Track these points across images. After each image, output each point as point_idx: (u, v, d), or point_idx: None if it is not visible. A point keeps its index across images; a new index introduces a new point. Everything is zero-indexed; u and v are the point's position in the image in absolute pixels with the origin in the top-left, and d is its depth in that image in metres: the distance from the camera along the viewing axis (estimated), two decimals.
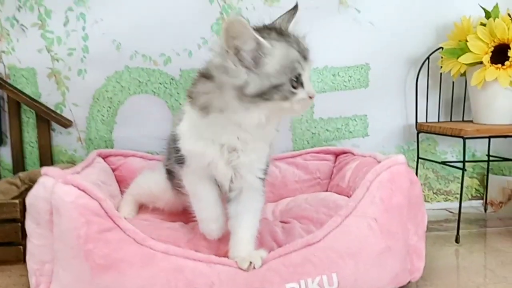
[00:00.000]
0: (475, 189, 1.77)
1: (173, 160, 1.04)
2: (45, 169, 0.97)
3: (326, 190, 1.48)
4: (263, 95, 0.84)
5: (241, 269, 0.92)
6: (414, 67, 1.65)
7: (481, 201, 1.76)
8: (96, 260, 0.88)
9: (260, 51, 0.83)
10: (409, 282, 1.03)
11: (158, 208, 1.27)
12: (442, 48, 1.57)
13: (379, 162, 1.14)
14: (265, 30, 0.89)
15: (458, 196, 1.72)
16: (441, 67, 1.57)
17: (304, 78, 0.87)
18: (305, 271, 0.92)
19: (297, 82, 0.86)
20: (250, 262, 0.92)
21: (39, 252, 0.95)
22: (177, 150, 0.99)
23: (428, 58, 1.61)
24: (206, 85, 0.89)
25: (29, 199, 0.96)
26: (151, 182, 1.26)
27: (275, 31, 0.89)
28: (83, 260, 0.88)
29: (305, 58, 0.87)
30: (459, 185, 1.71)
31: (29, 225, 0.97)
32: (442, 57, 1.57)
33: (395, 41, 1.63)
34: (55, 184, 0.92)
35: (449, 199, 1.75)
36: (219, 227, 1.02)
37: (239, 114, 0.87)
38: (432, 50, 1.61)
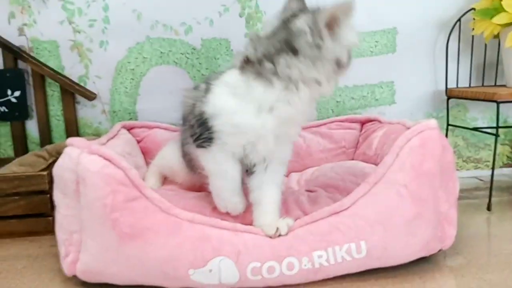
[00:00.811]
0: (507, 156, 1.71)
1: (196, 139, 0.98)
2: (70, 140, 0.97)
3: (352, 159, 1.45)
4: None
5: (267, 236, 0.92)
6: (444, 30, 1.58)
7: None
8: (123, 229, 0.89)
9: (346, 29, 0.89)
10: (440, 250, 1.00)
11: None
12: (474, 9, 1.49)
13: (408, 128, 1.10)
14: None
15: (489, 164, 1.68)
16: (473, 29, 1.50)
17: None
18: (333, 239, 0.91)
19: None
20: (277, 229, 0.92)
21: (67, 222, 0.96)
22: (207, 128, 0.94)
23: (459, 20, 1.53)
24: (291, 60, 0.89)
25: (56, 170, 0.97)
26: (169, 157, 1.26)
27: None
28: (110, 229, 0.89)
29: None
30: (490, 152, 1.67)
31: (57, 196, 0.98)
32: (474, 19, 1.50)
33: (425, 3, 1.56)
34: (80, 154, 0.93)
35: (480, 167, 1.70)
36: (243, 201, 1.02)
37: (331, 84, 0.92)
38: (464, 12, 1.53)
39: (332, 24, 0.88)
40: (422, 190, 0.93)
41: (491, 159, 1.68)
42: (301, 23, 0.88)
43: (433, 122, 0.98)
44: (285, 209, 1.06)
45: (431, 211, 0.94)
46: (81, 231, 0.94)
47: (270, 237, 0.92)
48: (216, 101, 0.93)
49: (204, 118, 0.94)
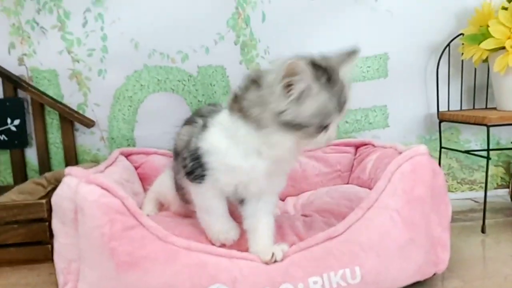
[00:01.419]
0: (501, 177, 1.73)
1: (189, 174, 0.99)
2: (68, 169, 0.99)
3: (347, 183, 1.47)
4: (291, 127, 0.87)
5: (263, 263, 0.93)
6: (434, 55, 1.62)
7: (507, 189, 1.72)
8: (121, 258, 0.90)
9: (307, 91, 0.85)
10: (435, 274, 1.01)
11: None
12: (463, 34, 1.53)
13: (400, 153, 1.13)
14: (319, 70, 0.86)
15: (483, 185, 1.69)
16: (462, 54, 1.54)
17: (331, 126, 0.89)
18: (328, 264, 0.92)
19: (322, 128, 0.88)
20: (272, 255, 0.93)
21: (66, 251, 0.97)
22: (201, 164, 0.96)
23: (448, 45, 1.57)
24: (255, 93, 0.89)
25: (54, 198, 0.99)
26: (164, 185, 1.26)
27: (327, 75, 0.87)
28: (108, 257, 0.90)
29: (340, 110, 0.89)
30: (484, 174, 1.68)
31: (55, 224, 0.99)
32: (463, 44, 1.54)
33: (414, 29, 1.60)
34: (78, 183, 0.94)
35: (474, 189, 1.72)
36: (235, 229, 1.03)
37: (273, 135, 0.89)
38: (453, 37, 1.57)
39: (289, 82, 0.84)
40: (414, 215, 0.95)
41: (484, 181, 1.69)
42: (269, 76, 0.86)
43: (422, 148, 1.00)
44: (280, 234, 1.08)
45: (423, 235, 0.96)
46: (79, 260, 0.95)
47: (266, 263, 0.93)
48: (210, 139, 0.95)
49: (198, 153, 0.96)
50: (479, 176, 1.71)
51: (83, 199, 0.92)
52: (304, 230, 1.10)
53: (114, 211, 0.92)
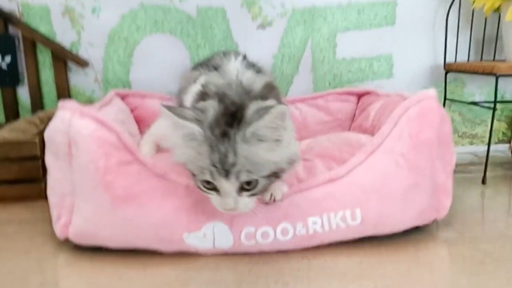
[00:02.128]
0: (502, 132, 1.70)
1: None
2: (62, 103, 0.95)
3: (348, 131, 1.44)
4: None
5: (262, 203, 0.91)
6: (444, 4, 1.56)
7: (508, 144, 1.70)
8: (117, 192, 0.87)
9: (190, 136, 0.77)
10: (434, 220, 1.00)
11: None
12: None
13: (405, 99, 1.09)
14: (222, 104, 0.79)
15: (484, 139, 1.68)
16: (474, 2, 1.47)
17: (221, 189, 0.79)
18: (328, 206, 0.91)
19: (208, 184, 0.79)
20: (271, 195, 0.91)
21: (59, 185, 0.94)
22: None
23: None
24: None
25: (48, 132, 0.95)
26: (164, 129, 1.22)
27: (222, 124, 0.77)
28: (103, 192, 0.88)
29: (220, 173, 0.76)
30: (486, 128, 1.67)
31: (48, 159, 0.96)
32: None
33: None
34: (72, 117, 0.91)
35: (475, 143, 1.70)
36: None
37: None
38: None
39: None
40: (419, 160, 0.92)
41: (486, 135, 1.68)
42: None
43: (432, 92, 0.97)
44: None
45: (428, 180, 0.94)
46: (73, 194, 0.93)
47: (266, 203, 0.91)
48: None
49: None
50: (481, 130, 1.69)
51: (77, 133, 0.89)
52: (304, 174, 1.07)
53: (109, 145, 0.89)
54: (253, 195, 0.80)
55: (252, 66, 0.99)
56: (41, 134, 1.29)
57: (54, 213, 0.96)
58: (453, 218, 1.07)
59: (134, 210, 0.88)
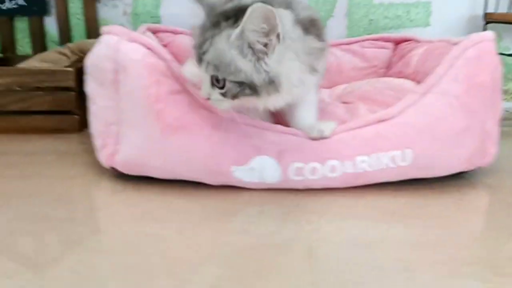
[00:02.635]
0: None
1: None
2: (107, 28, 0.92)
3: None
4: None
5: (310, 139, 0.90)
6: None
7: None
8: (167, 120, 0.86)
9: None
10: (478, 166, 0.99)
11: None
12: None
13: (455, 44, 1.06)
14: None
15: None
16: None
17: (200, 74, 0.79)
18: (378, 145, 0.90)
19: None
20: (319, 130, 0.89)
21: (104, 114, 0.93)
22: None
23: None
24: None
25: (91, 59, 0.92)
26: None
27: (221, 15, 0.77)
28: (153, 120, 0.86)
29: (196, 58, 0.78)
30: None
31: (91, 87, 0.94)
32: None
33: None
34: (119, 41, 0.88)
35: (505, 98, 1.67)
36: None
37: None
38: None
39: None
40: (473, 102, 0.91)
41: None
42: None
43: (490, 34, 0.94)
44: (322, 119, 1.04)
45: (479, 124, 0.93)
46: (120, 123, 0.91)
47: (313, 139, 0.90)
48: None
49: None
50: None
51: (126, 58, 0.86)
52: (347, 116, 1.06)
53: (160, 73, 0.87)
54: (223, 94, 0.78)
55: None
56: (73, 65, 1.27)
57: (98, 141, 0.95)
58: (495, 166, 1.07)
59: (184, 140, 0.87)
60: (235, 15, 0.75)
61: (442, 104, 0.90)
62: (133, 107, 0.88)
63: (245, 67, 0.75)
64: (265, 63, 0.75)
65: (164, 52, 0.89)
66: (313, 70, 0.82)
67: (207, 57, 0.76)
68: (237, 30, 0.73)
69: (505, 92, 1.67)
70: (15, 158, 1.07)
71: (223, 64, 0.75)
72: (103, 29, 0.92)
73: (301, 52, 0.79)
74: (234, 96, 0.78)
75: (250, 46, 0.74)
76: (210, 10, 0.78)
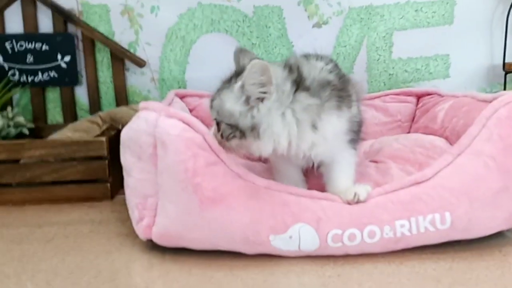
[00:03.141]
0: None
1: None
2: (144, 103, 0.95)
3: (409, 133, 1.42)
4: None
5: (345, 203, 0.90)
6: (503, 3, 1.53)
7: None
8: (205, 193, 0.87)
9: None
10: None
11: None
12: None
13: (481, 100, 1.08)
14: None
15: None
16: None
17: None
18: (416, 208, 0.89)
19: None
20: (355, 194, 0.90)
21: (142, 186, 0.94)
22: None
23: None
24: None
25: (129, 133, 0.95)
26: None
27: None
28: (191, 193, 0.87)
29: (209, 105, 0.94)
30: None
31: (128, 160, 0.96)
32: None
33: None
34: (158, 117, 0.91)
35: None
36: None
37: None
38: None
39: None
40: (509, 162, 0.90)
41: None
42: None
43: None
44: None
45: None
46: (157, 195, 0.93)
47: (349, 203, 0.90)
48: None
49: None
50: None
51: (165, 133, 0.89)
52: (379, 177, 1.06)
53: (197, 146, 0.89)
54: (222, 136, 0.90)
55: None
56: (104, 133, 1.30)
57: (135, 213, 0.96)
58: None
59: (221, 212, 0.88)
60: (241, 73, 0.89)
61: (478, 165, 0.90)
62: (171, 180, 0.89)
63: (236, 112, 0.87)
64: (258, 110, 0.86)
65: (200, 125, 0.91)
66: (314, 127, 0.89)
67: (213, 103, 0.91)
68: (239, 83, 0.87)
69: None
70: (53, 230, 1.08)
71: (221, 109, 0.89)
72: (141, 105, 0.96)
73: (294, 107, 0.87)
74: (228, 138, 0.89)
75: (248, 96, 0.86)
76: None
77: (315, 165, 0.98)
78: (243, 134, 0.87)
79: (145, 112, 0.93)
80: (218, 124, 0.91)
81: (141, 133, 0.92)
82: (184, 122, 0.90)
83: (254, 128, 0.86)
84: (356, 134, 0.99)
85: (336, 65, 1.00)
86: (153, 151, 0.91)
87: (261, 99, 0.85)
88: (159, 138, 0.89)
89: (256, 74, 0.84)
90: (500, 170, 0.90)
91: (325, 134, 0.90)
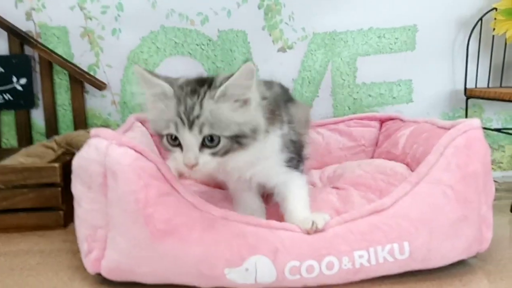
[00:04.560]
0: None
1: None
2: (96, 131, 0.91)
3: (372, 157, 1.42)
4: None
5: (304, 232, 0.88)
6: (464, 30, 1.57)
7: None
8: (157, 225, 0.83)
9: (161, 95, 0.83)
10: (477, 253, 0.97)
11: None
12: (496, 9, 1.48)
13: (440, 127, 1.08)
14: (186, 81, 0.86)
15: (501, 165, 1.68)
16: (494, 29, 1.48)
17: (184, 142, 0.81)
18: (374, 238, 0.87)
19: (174, 140, 0.82)
20: (313, 223, 0.87)
21: (91, 217, 0.90)
22: None
23: (481, 19, 1.51)
24: None
25: (79, 162, 0.90)
26: None
27: (193, 84, 0.84)
28: (142, 225, 0.83)
29: (184, 124, 0.80)
30: (503, 154, 1.68)
31: (78, 189, 0.92)
32: (495, 18, 1.48)
33: (445, 1, 1.54)
34: (109, 146, 0.87)
35: (492, 168, 1.68)
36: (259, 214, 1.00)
37: None
38: (485, 11, 1.51)
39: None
40: (468, 192, 0.90)
41: (503, 161, 1.68)
42: None
43: (476, 122, 0.95)
44: (314, 207, 1.01)
45: (476, 212, 0.92)
46: (107, 227, 0.88)
47: (307, 232, 0.88)
48: None
49: None
50: (498, 156, 1.68)
51: (115, 162, 0.85)
52: (340, 204, 1.05)
53: (149, 176, 0.85)
54: (214, 154, 0.81)
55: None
56: (59, 159, 1.25)
57: (84, 246, 0.91)
58: (491, 249, 1.05)
59: (174, 244, 0.84)
60: (205, 81, 0.84)
61: (436, 194, 0.90)
62: (121, 212, 0.85)
63: (238, 118, 0.81)
64: (249, 113, 0.82)
65: (153, 154, 0.88)
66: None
67: (201, 119, 0.79)
68: (221, 88, 0.80)
69: (492, 162, 1.68)
70: None
71: (219, 121, 0.80)
72: (92, 132, 0.91)
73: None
74: (225, 153, 0.82)
75: (236, 100, 0.81)
76: (176, 85, 0.84)
77: (262, 189, 1.00)
78: (241, 144, 0.82)
79: (95, 140, 0.89)
80: (211, 140, 0.80)
81: (91, 162, 0.88)
82: (136, 150, 0.86)
83: (255, 130, 0.83)
84: (295, 154, 0.97)
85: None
86: (103, 180, 0.87)
87: (246, 101, 0.82)
88: (110, 168, 0.86)
89: (247, 76, 0.80)
90: (459, 200, 0.89)
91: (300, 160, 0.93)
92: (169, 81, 0.84)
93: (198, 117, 0.79)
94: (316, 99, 1.58)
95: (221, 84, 0.80)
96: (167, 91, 0.82)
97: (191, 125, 0.79)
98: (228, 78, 0.80)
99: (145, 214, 0.83)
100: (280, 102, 1.00)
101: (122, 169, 0.84)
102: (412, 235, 0.87)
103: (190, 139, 0.80)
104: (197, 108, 0.79)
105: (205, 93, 0.81)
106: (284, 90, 1.15)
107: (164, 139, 0.83)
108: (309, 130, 1.19)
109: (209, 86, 0.82)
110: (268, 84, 1.04)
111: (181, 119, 0.79)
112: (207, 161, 0.81)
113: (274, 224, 0.90)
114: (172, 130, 0.80)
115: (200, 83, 0.84)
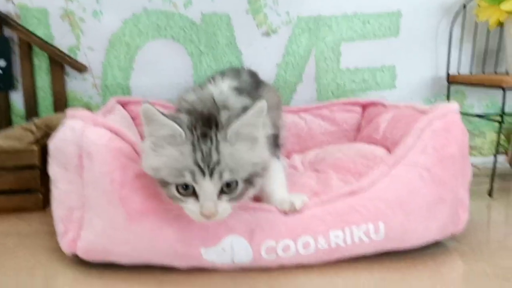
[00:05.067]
0: (500, 144, 1.71)
1: None
2: (72, 112, 0.90)
3: (354, 142, 1.42)
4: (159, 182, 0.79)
5: (282, 213, 0.88)
6: (447, 16, 1.57)
7: (505, 156, 1.71)
8: (132, 206, 0.83)
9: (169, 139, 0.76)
10: (452, 234, 0.99)
11: None
12: None
13: (421, 112, 1.08)
14: (199, 119, 0.78)
15: (483, 151, 1.70)
16: (477, 16, 1.48)
17: (202, 191, 0.75)
18: (351, 219, 0.88)
19: (185, 190, 0.76)
20: (291, 204, 0.88)
21: (67, 198, 0.89)
22: None
23: (465, 6, 1.52)
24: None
25: (55, 143, 0.90)
26: None
27: (200, 125, 0.77)
28: (118, 205, 0.83)
29: (204, 173, 0.74)
30: (484, 140, 1.69)
31: (54, 171, 0.91)
32: (478, 5, 1.48)
33: None
34: (84, 126, 0.86)
35: (473, 154, 1.70)
36: None
37: None
38: None
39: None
40: (444, 174, 0.91)
41: (484, 147, 1.69)
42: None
43: (455, 106, 0.96)
44: (294, 191, 1.02)
45: (451, 195, 0.93)
46: (83, 208, 0.88)
47: (285, 213, 0.88)
48: None
49: None
50: (479, 142, 1.70)
51: (91, 143, 0.85)
52: (320, 187, 1.05)
53: (125, 157, 0.85)
54: (231, 199, 0.78)
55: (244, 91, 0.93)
56: (38, 142, 1.24)
57: (60, 227, 0.91)
58: (467, 231, 1.06)
59: (150, 225, 0.84)
60: (210, 120, 0.78)
61: (413, 176, 0.90)
62: (97, 192, 0.85)
63: (254, 157, 0.78)
64: (259, 150, 0.79)
65: (129, 135, 0.87)
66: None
67: (221, 166, 0.74)
68: (233, 127, 0.75)
69: (472, 148, 1.70)
70: None
71: (238, 164, 0.76)
72: (68, 113, 0.91)
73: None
74: (240, 196, 0.79)
75: (247, 139, 0.77)
76: (185, 125, 0.76)
77: None
78: (252, 183, 0.79)
79: (71, 121, 0.88)
80: (228, 186, 0.76)
81: (67, 143, 0.87)
82: (111, 131, 0.86)
83: (264, 169, 0.80)
84: (272, 142, 0.94)
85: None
86: (79, 161, 0.87)
87: (255, 139, 0.78)
88: (85, 148, 0.85)
89: (259, 114, 0.76)
90: (435, 182, 0.90)
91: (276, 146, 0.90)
92: (178, 122, 0.76)
93: (217, 163, 0.74)
94: (299, 84, 1.58)
95: (229, 123, 0.76)
96: (178, 134, 0.75)
97: (211, 173, 0.74)
98: (236, 116, 0.77)
99: (121, 195, 0.83)
100: (254, 95, 0.95)
101: (98, 149, 0.84)
102: (388, 216, 0.88)
103: (210, 187, 0.74)
104: (214, 154, 0.74)
105: (216, 135, 0.75)
106: (253, 76, 1.11)
107: (173, 189, 0.76)
108: (282, 112, 1.17)
109: (216, 126, 0.77)
110: (236, 72, 1.03)
111: (199, 167, 0.74)
112: (226, 208, 0.77)
113: (250, 205, 0.90)
114: (188, 180, 0.74)
115: (206, 125, 0.77)
